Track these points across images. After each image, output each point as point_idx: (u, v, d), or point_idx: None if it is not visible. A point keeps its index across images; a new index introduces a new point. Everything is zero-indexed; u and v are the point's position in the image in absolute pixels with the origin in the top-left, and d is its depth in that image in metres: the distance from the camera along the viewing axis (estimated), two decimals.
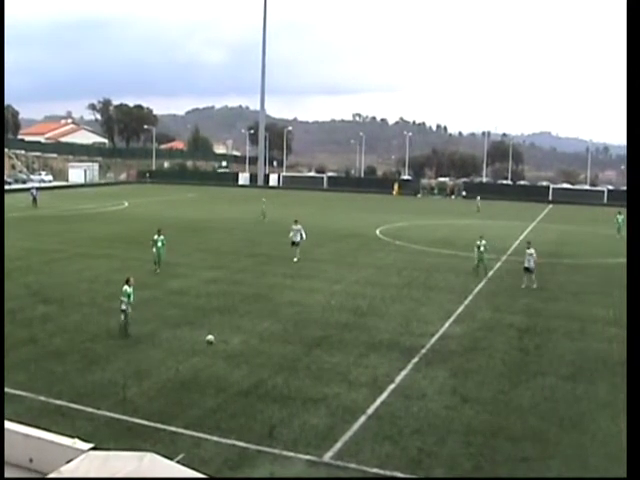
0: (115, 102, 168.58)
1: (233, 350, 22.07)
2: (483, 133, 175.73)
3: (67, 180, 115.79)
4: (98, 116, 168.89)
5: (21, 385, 17.81)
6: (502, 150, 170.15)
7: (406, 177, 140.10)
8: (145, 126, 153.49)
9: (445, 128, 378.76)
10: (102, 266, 36.01)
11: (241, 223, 59.19)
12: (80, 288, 30.68)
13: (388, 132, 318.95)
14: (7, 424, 7.47)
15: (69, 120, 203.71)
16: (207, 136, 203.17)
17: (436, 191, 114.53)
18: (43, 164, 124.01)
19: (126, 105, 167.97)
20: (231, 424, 16.13)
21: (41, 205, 68.92)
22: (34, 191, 71.89)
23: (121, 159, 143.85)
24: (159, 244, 34.52)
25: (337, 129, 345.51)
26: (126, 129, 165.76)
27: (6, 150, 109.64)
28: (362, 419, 16.79)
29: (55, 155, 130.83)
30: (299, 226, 40.57)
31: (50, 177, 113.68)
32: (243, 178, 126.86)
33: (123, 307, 23.13)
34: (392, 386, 19.27)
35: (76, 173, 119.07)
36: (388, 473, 14.14)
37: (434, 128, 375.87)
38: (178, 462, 6.79)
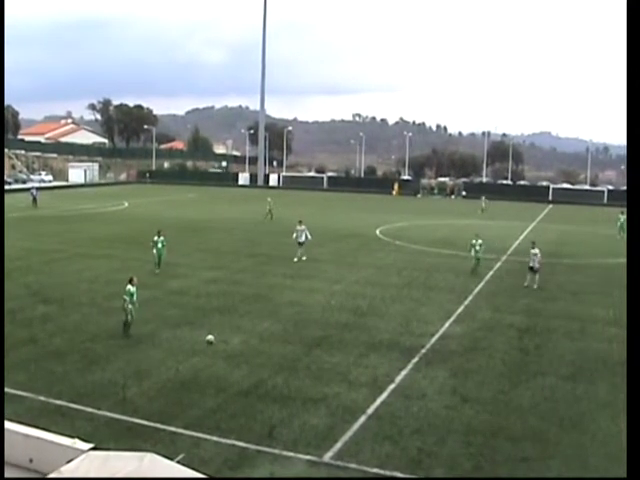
0: (115, 102, 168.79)
1: (233, 350, 22.08)
2: (483, 133, 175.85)
3: (67, 180, 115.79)
4: (98, 116, 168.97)
5: (21, 385, 17.81)
6: (502, 150, 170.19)
7: (406, 177, 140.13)
8: (145, 126, 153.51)
9: (445, 128, 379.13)
10: (102, 266, 36.01)
11: (241, 223, 59.18)
12: (80, 288, 30.68)
13: (388, 132, 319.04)
14: (7, 424, 7.47)
15: (69, 120, 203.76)
16: (207, 136, 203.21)
17: (436, 191, 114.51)
18: (43, 164, 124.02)
19: (126, 105, 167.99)
20: (231, 424, 16.14)
21: (41, 205, 68.93)
22: (34, 191, 71.90)
23: (121, 159, 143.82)
24: (159, 245, 34.47)
25: (337, 129, 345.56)
26: (126, 129, 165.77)
27: (6, 150, 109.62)
28: (362, 419, 16.79)
29: (55, 155, 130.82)
30: (303, 226, 40.62)
31: (50, 177, 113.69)
32: (243, 178, 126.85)
33: (126, 306, 23.14)
34: (392, 386, 19.27)
35: (76, 173, 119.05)
36: (388, 473, 14.15)
37: (434, 128, 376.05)
38: (178, 462, 6.79)
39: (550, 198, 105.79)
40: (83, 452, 6.91)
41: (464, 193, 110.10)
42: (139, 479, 6.26)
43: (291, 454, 14.71)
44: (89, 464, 6.59)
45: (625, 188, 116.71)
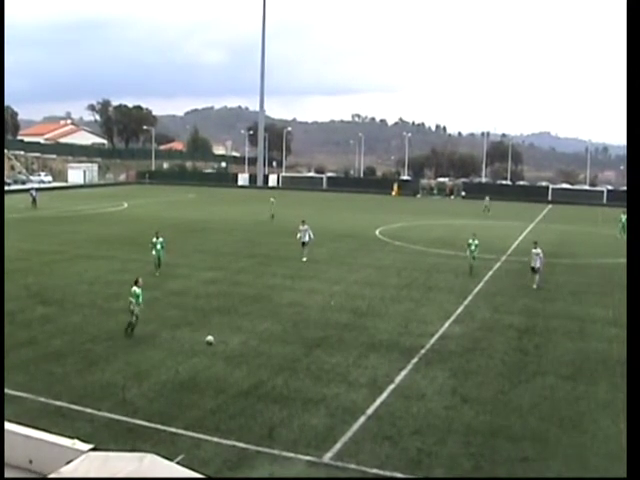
0: (114, 103, 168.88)
1: (233, 351, 22.08)
2: (482, 133, 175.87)
3: (66, 181, 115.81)
4: (97, 117, 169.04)
5: (21, 386, 17.80)
6: (501, 150, 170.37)
7: (405, 177, 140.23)
8: (144, 127, 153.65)
9: (444, 128, 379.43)
10: (102, 267, 36.01)
11: (240, 224, 59.20)
12: (80, 289, 30.68)
13: (387, 132, 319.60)
14: (7, 425, 7.48)
15: (68, 121, 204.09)
16: (206, 137, 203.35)
17: (435, 191, 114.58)
18: (42, 165, 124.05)
19: (125, 106, 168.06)
20: (231, 425, 16.14)
21: (41, 206, 68.95)
22: (33, 192, 71.95)
23: (120, 160, 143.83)
24: (158, 247, 34.39)
25: (336, 129, 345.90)
26: (125, 130, 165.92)
27: (5, 151, 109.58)
28: (362, 419, 16.79)
29: (54, 156, 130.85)
30: (306, 226, 40.67)
31: (49, 178, 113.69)
32: (242, 179, 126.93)
33: (132, 308, 23.12)
34: (392, 386, 19.27)
35: (75, 174, 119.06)
36: (388, 473, 14.14)
37: (433, 128, 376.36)
38: (178, 463, 6.80)
39: (549, 198, 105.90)
40: (83, 453, 6.92)
41: (463, 193, 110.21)
42: (139, 479, 6.27)
43: (291, 455, 14.71)
44: (89, 465, 6.60)
45: (624, 188, 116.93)
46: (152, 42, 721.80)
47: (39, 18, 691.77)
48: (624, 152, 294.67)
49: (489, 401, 18.53)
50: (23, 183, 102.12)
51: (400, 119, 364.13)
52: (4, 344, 19.51)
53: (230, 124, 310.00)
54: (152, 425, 15.96)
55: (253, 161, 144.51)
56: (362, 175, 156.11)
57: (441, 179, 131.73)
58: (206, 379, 19.40)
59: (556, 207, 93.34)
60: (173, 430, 15.71)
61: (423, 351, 22.76)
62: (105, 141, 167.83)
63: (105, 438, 14.77)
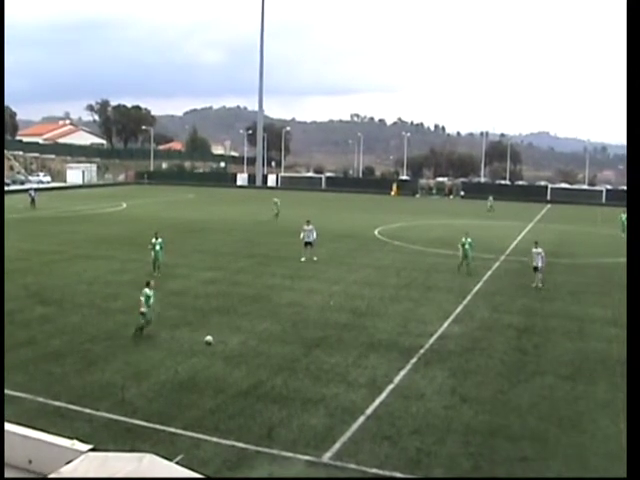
0: (113, 103, 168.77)
1: (232, 351, 22.08)
2: (481, 133, 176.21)
3: (65, 181, 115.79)
4: (96, 117, 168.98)
5: (20, 386, 17.80)
6: (500, 150, 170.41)
7: (404, 177, 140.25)
8: (143, 127, 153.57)
9: (443, 128, 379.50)
10: (101, 267, 36.01)
11: (239, 224, 59.19)
12: (79, 289, 30.68)
13: (386, 132, 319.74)
14: (6, 425, 7.48)
15: (67, 121, 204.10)
16: (205, 137, 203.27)
17: (434, 191, 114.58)
18: (41, 165, 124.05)
19: (124, 106, 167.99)
20: (230, 425, 16.14)
21: (39, 206, 68.94)
22: (32, 192, 71.94)
23: (119, 160, 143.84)
24: (157, 247, 34.31)
25: (335, 129, 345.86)
26: (124, 130, 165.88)
27: (4, 151, 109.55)
28: (361, 419, 16.79)
29: (53, 156, 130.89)
30: (311, 226, 40.65)
31: (48, 178, 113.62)
32: (241, 179, 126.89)
33: (143, 309, 23.05)
34: (391, 386, 19.27)
35: (74, 174, 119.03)
36: (387, 473, 14.14)
37: (432, 128, 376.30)
38: (177, 463, 6.80)
39: (548, 198, 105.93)
40: (82, 453, 6.92)
41: (462, 193, 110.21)
42: (138, 479, 6.26)
43: (290, 454, 14.71)
44: (88, 465, 6.60)
45: (624, 188, 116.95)
46: (151, 42, 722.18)
47: (38, 18, 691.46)
48: (623, 151, 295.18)
49: (488, 401, 18.53)
50: (22, 183, 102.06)
51: (399, 119, 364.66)
52: (4, 344, 19.49)
53: (229, 124, 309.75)
54: (151, 425, 15.96)
55: (252, 161, 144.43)
56: (361, 175, 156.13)
57: (440, 179, 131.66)
58: (205, 379, 19.40)
59: (555, 207, 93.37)
60: (172, 430, 15.71)
61: (422, 351, 22.76)
62: (104, 141, 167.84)
63: (104, 438, 14.77)
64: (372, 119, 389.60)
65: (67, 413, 16.64)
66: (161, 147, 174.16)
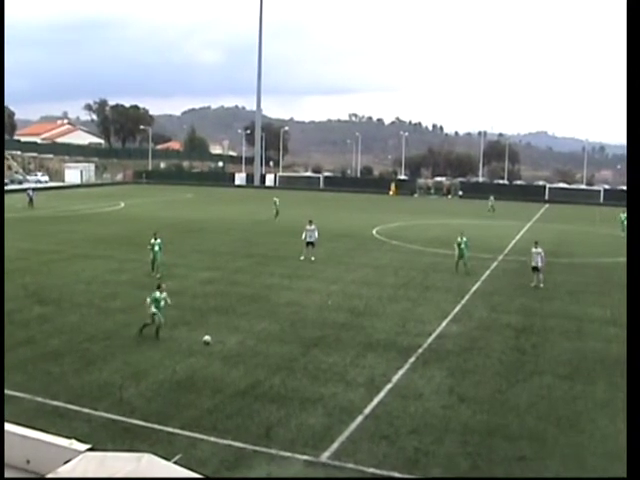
0: (111, 102, 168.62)
1: (230, 350, 22.07)
2: (479, 133, 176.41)
3: (63, 181, 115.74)
4: (94, 117, 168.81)
5: (18, 386, 17.78)
6: (498, 150, 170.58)
7: (402, 177, 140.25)
8: (141, 126, 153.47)
9: (441, 128, 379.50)
10: (99, 267, 35.99)
11: (238, 223, 59.19)
12: (77, 289, 30.66)
13: (384, 132, 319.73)
14: (5, 425, 7.48)
15: (65, 121, 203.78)
16: (203, 136, 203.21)
17: (432, 191, 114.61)
18: (39, 165, 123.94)
19: (122, 105, 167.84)
20: (228, 424, 16.13)
21: (37, 206, 68.87)
22: (30, 192, 71.87)
23: (117, 159, 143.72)
24: (156, 248, 34.23)
25: (333, 129, 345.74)
26: (122, 129, 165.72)
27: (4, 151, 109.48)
28: (359, 419, 16.79)
29: (51, 156, 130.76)
30: (313, 226, 40.67)
31: (46, 178, 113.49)
32: (239, 178, 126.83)
33: (153, 310, 22.96)
34: (389, 386, 19.28)
35: (72, 174, 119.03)
36: (385, 473, 14.15)
37: (430, 128, 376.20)
38: (175, 463, 6.80)
39: (546, 198, 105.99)
40: (80, 453, 6.92)
41: (461, 193, 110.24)
42: (136, 479, 6.27)
43: (288, 454, 14.71)
44: (86, 465, 6.60)
45: (622, 187, 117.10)
46: (149, 42, 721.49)
47: (36, 18, 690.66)
48: (621, 151, 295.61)
49: (486, 400, 18.53)
50: (20, 183, 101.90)
51: (397, 118, 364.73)
52: (4, 345, 19.49)
53: (227, 124, 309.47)
54: (149, 425, 15.95)
55: (250, 161, 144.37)
56: (359, 175, 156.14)
57: (438, 178, 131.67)
58: (203, 379, 19.40)
59: (553, 206, 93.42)
60: (170, 430, 15.71)
61: (420, 350, 22.77)
62: (102, 141, 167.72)
63: (102, 438, 14.77)
64: (370, 119, 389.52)
65: (65, 413, 16.63)
66: (159, 147, 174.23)
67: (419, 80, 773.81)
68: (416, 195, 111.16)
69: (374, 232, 55.00)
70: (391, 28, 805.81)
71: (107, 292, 29.93)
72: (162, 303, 23.21)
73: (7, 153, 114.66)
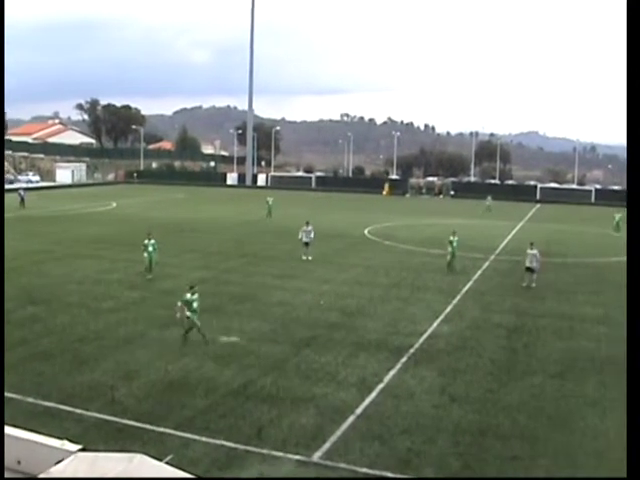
0: (103, 102, 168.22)
1: (222, 350, 22.06)
2: (471, 133, 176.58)
3: (54, 181, 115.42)
4: (85, 116, 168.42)
5: (10, 387, 17.70)
6: (490, 150, 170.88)
7: (394, 177, 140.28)
8: (133, 126, 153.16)
9: (433, 128, 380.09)
10: (91, 267, 35.91)
11: (229, 223, 59.14)
12: (69, 289, 30.59)
13: (376, 132, 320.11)
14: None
15: (56, 120, 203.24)
16: (195, 136, 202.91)
17: (424, 191, 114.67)
18: (30, 164, 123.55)
19: (113, 105, 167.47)
20: (220, 424, 16.13)
21: (29, 206, 68.63)
22: (22, 192, 71.65)
23: (109, 159, 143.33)
24: (150, 248, 33.86)
25: (325, 129, 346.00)
26: (114, 129, 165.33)
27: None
28: (351, 419, 16.81)
29: (42, 155, 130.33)
30: (310, 227, 40.74)
31: (37, 178, 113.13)
32: (231, 178, 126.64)
33: (187, 314, 22.82)
34: (381, 386, 19.30)
35: (63, 173, 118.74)
36: (377, 473, 14.16)
37: (422, 128, 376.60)
38: (167, 463, 6.80)
39: (538, 197, 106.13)
40: (72, 453, 6.92)
41: (452, 192, 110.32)
42: (128, 479, 6.27)
43: (280, 454, 14.72)
44: (78, 465, 6.60)
45: (613, 187, 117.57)
46: (140, 42, 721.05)
47: (27, 18, 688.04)
48: (612, 151, 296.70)
49: (478, 400, 18.57)
50: (11, 183, 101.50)
51: (389, 118, 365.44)
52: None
53: (219, 123, 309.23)
54: (141, 425, 15.94)
55: (242, 160, 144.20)
56: (351, 175, 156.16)
57: (430, 178, 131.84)
58: (195, 379, 19.38)
59: (544, 206, 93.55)
60: (162, 430, 15.70)
61: (412, 350, 22.79)
62: (93, 140, 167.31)
63: (94, 438, 14.75)
64: (362, 119, 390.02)
65: (57, 413, 16.61)
66: (151, 146, 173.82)
67: (411, 80, 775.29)
68: (408, 195, 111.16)
69: (366, 232, 55.02)
70: (383, 28, 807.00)
71: (99, 292, 29.88)
72: (195, 305, 22.98)
73: None
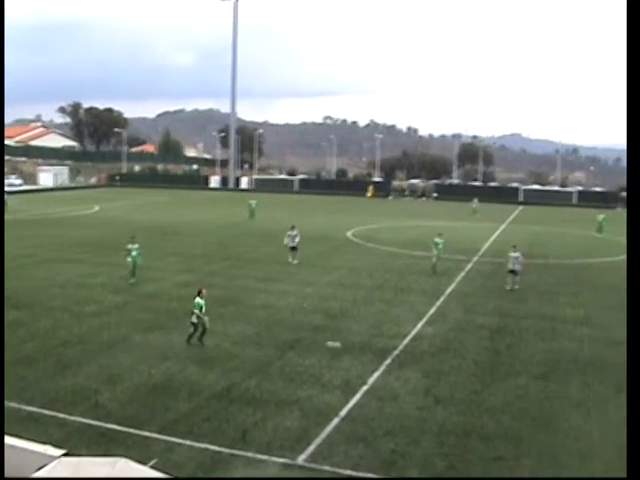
0: (85, 105, 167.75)
1: (206, 354, 22.02)
2: (454, 135, 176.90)
3: (37, 184, 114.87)
4: (68, 119, 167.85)
5: None
6: (472, 152, 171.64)
7: (377, 179, 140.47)
8: (115, 129, 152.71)
9: (416, 130, 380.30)
10: (73, 271, 35.74)
11: (213, 226, 59.04)
12: (51, 293, 30.44)
13: (359, 134, 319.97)
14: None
15: (39, 123, 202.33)
16: (178, 139, 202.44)
17: (407, 193, 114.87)
18: (12, 168, 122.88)
19: (96, 108, 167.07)
20: (204, 428, 16.10)
21: (11, 209, 68.26)
22: (4, 195, 71.28)
23: (91, 163, 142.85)
24: (134, 253, 33.42)
25: (308, 132, 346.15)
26: (96, 132, 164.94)
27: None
28: (335, 421, 16.81)
29: (24, 159, 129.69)
30: (296, 231, 40.66)
31: (20, 181, 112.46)
32: (214, 181, 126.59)
33: (194, 320, 22.75)
34: (365, 388, 19.31)
35: (46, 177, 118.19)
36: (362, 475, 14.17)
37: (405, 130, 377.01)
38: (152, 467, 6.79)
39: (521, 199, 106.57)
40: (55, 458, 6.89)
41: (435, 195, 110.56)
42: None
43: (265, 457, 14.70)
44: (61, 470, 6.58)
45: (595, 189, 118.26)
46: (123, 44, 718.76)
47: (8, 19, 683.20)
48: (594, 153, 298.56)
49: (462, 401, 18.61)
50: None
51: (372, 121, 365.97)
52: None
53: (201, 126, 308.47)
54: (125, 429, 15.88)
55: (225, 163, 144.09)
56: (334, 177, 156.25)
57: (413, 181, 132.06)
58: (179, 382, 19.33)
59: (527, 208, 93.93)
60: (146, 434, 15.64)
61: (396, 352, 22.82)
62: (76, 144, 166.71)
63: (78, 443, 14.69)
64: (345, 121, 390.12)
65: (40, 418, 16.52)
66: (134, 149, 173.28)
67: (394, 83, 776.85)
68: (391, 197, 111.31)
69: (349, 234, 55.07)
70: (366, 31, 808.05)
71: (81, 296, 29.74)
72: (204, 310, 22.91)
73: None
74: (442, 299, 31.41)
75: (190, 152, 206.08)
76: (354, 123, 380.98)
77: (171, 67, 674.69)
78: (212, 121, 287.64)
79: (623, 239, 57.14)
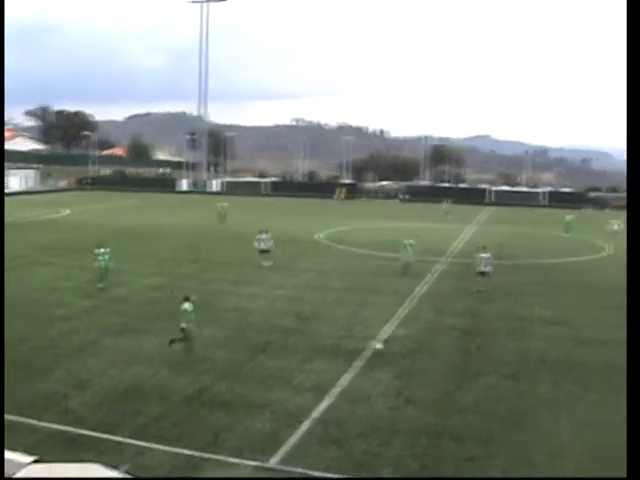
0: (55, 108, 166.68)
1: (176, 357, 21.95)
2: (423, 137, 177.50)
3: (6, 187, 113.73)
4: (36, 122, 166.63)
5: None
6: (442, 153, 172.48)
7: (347, 181, 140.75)
8: (84, 132, 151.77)
9: (385, 132, 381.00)
10: (44, 274, 35.50)
11: (183, 229, 58.90)
12: (21, 296, 30.15)
13: (329, 136, 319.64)
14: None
15: (10, 126, 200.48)
16: (148, 142, 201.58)
17: (378, 194, 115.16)
18: None
19: (65, 111, 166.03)
20: (176, 432, 16.05)
21: None
22: None
23: (61, 166, 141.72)
24: (105, 257, 33.00)
25: (279, 134, 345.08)
26: (65, 135, 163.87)
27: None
28: (307, 423, 16.81)
29: None
30: (265, 235, 40.50)
31: None
32: (185, 184, 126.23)
33: (183, 325, 22.57)
34: (336, 390, 19.32)
35: (14, 180, 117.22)
36: (334, 476, 14.19)
37: (375, 132, 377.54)
38: (126, 472, 6.80)
39: (490, 200, 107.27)
40: (26, 465, 6.86)
41: (406, 196, 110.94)
42: None
43: (236, 460, 14.69)
44: (33, 477, 6.55)
45: (564, 190, 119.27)
46: (93, 47, 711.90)
47: None
48: (562, 154, 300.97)
49: (433, 402, 18.70)
50: None
51: (342, 123, 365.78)
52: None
53: (171, 129, 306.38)
54: (96, 434, 15.78)
55: (195, 166, 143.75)
56: (305, 179, 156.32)
57: (383, 182, 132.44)
58: (150, 386, 19.26)
59: (497, 209, 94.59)
60: (118, 439, 15.55)
61: (367, 354, 22.88)
62: (44, 147, 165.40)
63: (49, 449, 14.56)
64: (315, 123, 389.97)
65: (10, 425, 16.33)
66: (104, 152, 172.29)
67: (364, 84, 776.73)
68: (362, 199, 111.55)
69: (320, 236, 55.15)
70: (333, 31, 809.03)
71: (52, 300, 29.53)
72: (193, 316, 22.70)
73: None
74: (413, 300, 31.53)
75: (161, 155, 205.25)
76: (324, 125, 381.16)
77: (141, 70, 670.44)
78: (182, 124, 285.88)
79: (590, 239, 57.93)
